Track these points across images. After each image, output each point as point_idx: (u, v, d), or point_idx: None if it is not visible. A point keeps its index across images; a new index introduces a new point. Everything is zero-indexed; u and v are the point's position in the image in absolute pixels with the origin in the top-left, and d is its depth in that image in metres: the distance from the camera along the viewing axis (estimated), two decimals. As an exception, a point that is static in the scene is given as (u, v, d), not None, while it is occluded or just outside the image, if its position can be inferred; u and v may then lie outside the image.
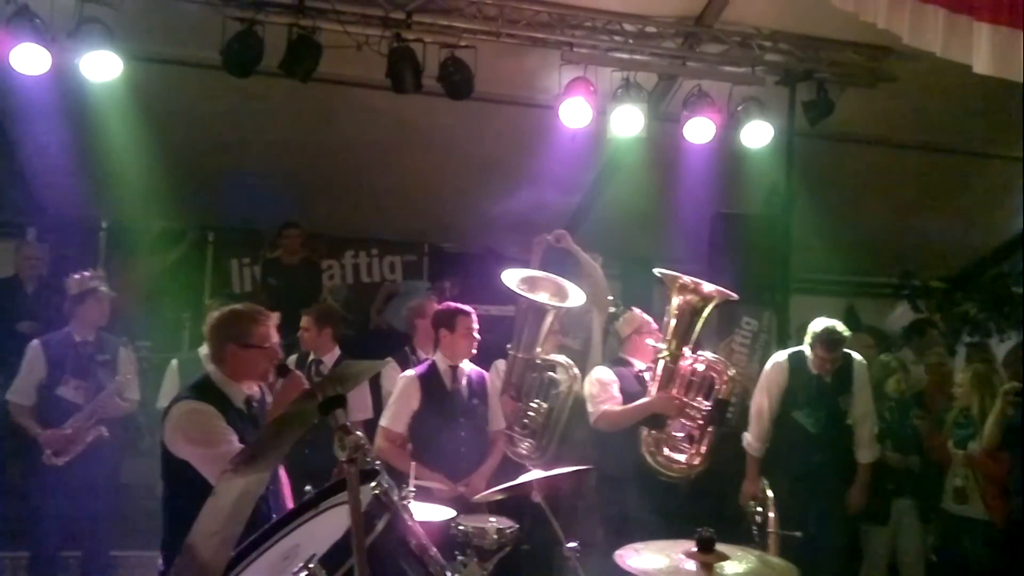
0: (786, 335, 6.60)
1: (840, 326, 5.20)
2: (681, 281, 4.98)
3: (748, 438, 5.32)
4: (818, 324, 5.23)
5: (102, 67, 5.56)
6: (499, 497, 4.08)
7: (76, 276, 5.36)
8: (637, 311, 5.37)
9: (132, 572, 5.48)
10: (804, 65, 6.48)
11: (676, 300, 4.98)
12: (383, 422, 4.75)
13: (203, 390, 3.34)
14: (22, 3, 5.38)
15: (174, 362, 5.40)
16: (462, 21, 6.01)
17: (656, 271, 5.14)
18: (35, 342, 5.19)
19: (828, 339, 5.13)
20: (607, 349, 6.56)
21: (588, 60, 6.25)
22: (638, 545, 2.89)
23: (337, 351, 5.51)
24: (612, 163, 7.68)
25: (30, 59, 5.43)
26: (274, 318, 3.52)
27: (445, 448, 4.63)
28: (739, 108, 6.48)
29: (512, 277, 5.36)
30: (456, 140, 7.33)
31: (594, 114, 6.26)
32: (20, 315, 6.31)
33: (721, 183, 7.05)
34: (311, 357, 5.43)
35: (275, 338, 3.46)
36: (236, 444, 3.15)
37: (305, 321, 5.45)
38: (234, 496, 1.79)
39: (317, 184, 7.81)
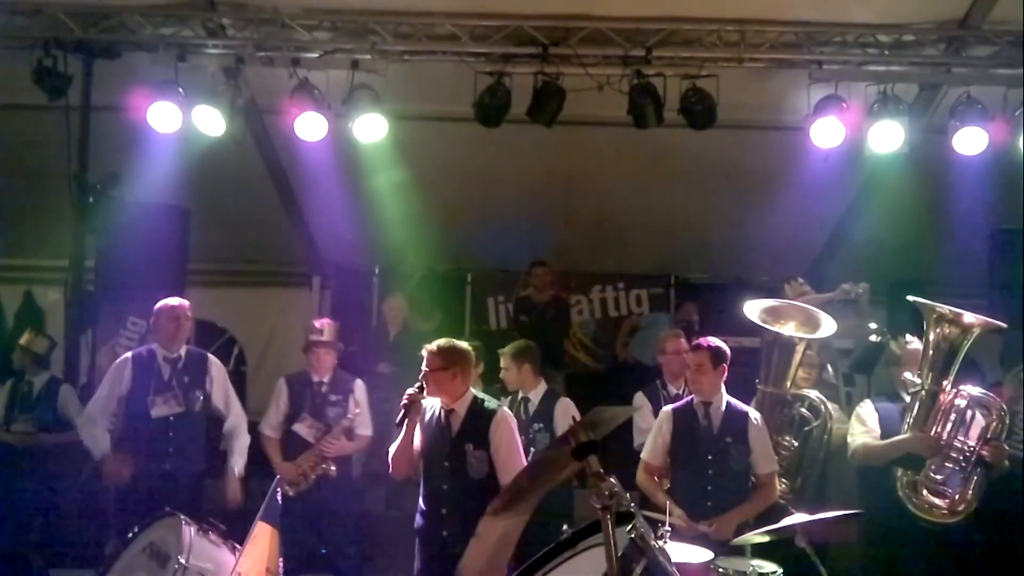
0: (1088, 362, 5.82)
1: None
2: (938, 311, 4.57)
3: None
4: None
5: (371, 128, 6.09)
6: (760, 540, 3.93)
7: (310, 325, 5.76)
8: (913, 342, 4.96)
9: None
10: (1091, 59, 5.76)
11: (933, 331, 4.58)
12: (643, 455, 4.76)
13: None
14: (303, 76, 6.04)
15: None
16: (703, 51, 5.97)
17: (911, 299, 4.76)
18: (282, 380, 5.69)
19: None
20: (875, 382, 6.16)
21: (840, 76, 5.96)
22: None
23: (543, 386, 5.43)
24: (871, 182, 7.22)
25: (311, 126, 6.07)
26: None
27: (690, 485, 4.53)
28: (1017, 113, 5.87)
29: (754, 308, 5.17)
30: (700, 170, 7.24)
31: (848, 132, 5.95)
32: (382, 357, 7.02)
33: (999, 196, 6.40)
34: (520, 395, 5.39)
35: None
36: None
37: (503, 360, 5.43)
38: (495, 537, 1.88)
39: (565, 222, 8.03)
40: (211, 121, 6.06)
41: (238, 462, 5.22)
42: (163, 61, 6.01)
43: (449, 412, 4.25)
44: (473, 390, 4.36)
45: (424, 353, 4.24)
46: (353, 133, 6.09)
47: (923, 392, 4.59)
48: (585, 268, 8.89)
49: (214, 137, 6.16)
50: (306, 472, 5.38)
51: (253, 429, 5.71)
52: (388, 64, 6.00)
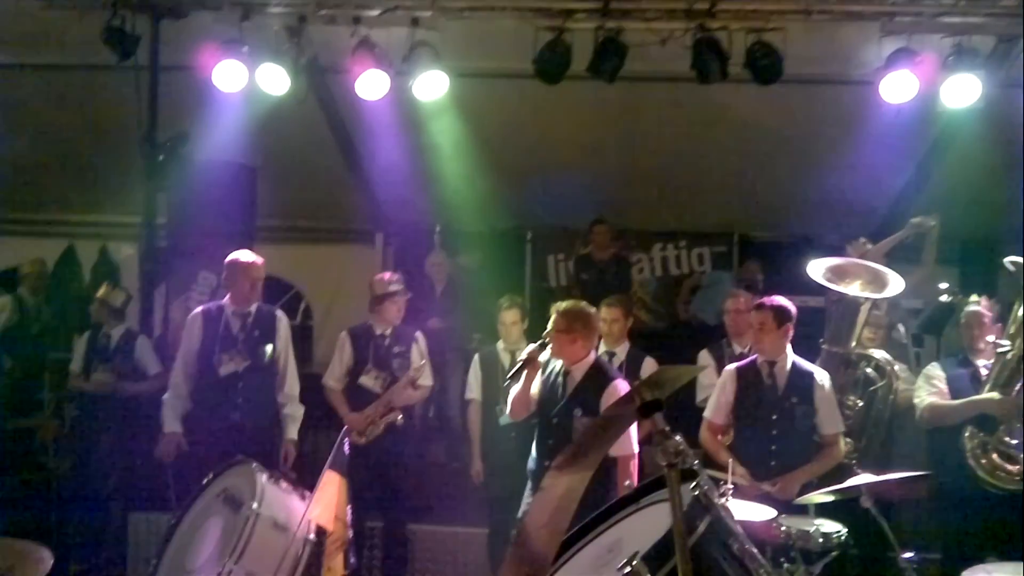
0: None
1: None
2: None
3: None
4: None
5: (431, 86, 6.08)
6: (824, 500, 3.93)
7: (378, 278, 5.83)
8: (982, 304, 4.84)
9: (427, 545, 5.92)
10: None
11: (1031, 294, 4.45)
12: (707, 413, 4.79)
13: None
14: (364, 35, 6.05)
15: (477, 356, 5.81)
16: (770, 3, 5.80)
17: (1009, 262, 4.60)
18: (344, 333, 5.74)
19: None
20: (944, 342, 6.04)
21: (913, 28, 5.75)
22: (990, 566, 2.62)
23: (627, 343, 5.57)
24: (944, 138, 7.01)
25: (372, 84, 6.09)
26: None
27: (753, 444, 4.53)
28: (1102, 65, 5.62)
29: (818, 268, 5.10)
30: (766, 125, 7.09)
31: (920, 86, 5.75)
32: (431, 313, 7.11)
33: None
34: (603, 349, 5.46)
35: None
36: None
37: (616, 312, 5.51)
38: (560, 492, 1.91)
39: (626, 180, 7.96)
40: (275, 80, 6.12)
41: (293, 431, 5.28)
42: (227, 20, 6.07)
43: (567, 373, 4.40)
44: (596, 355, 4.50)
45: (552, 313, 4.40)
46: (413, 91, 6.10)
47: (1009, 355, 4.48)
48: (646, 226, 8.83)
49: (278, 96, 6.23)
50: (375, 420, 5.48)
51: (319, 382, 5.87)
52: (448, 21, 5.98)
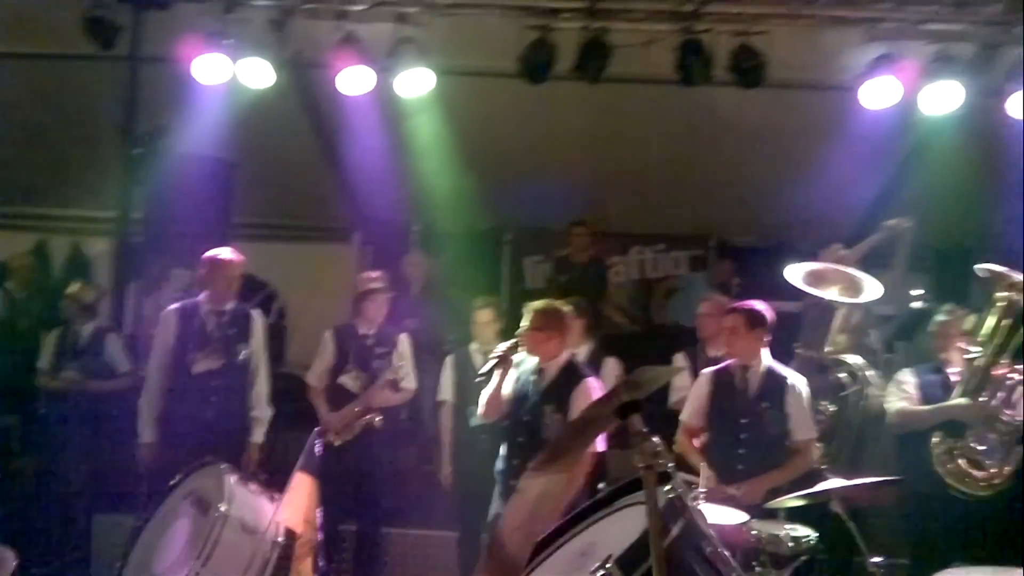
0: None
1: None
2: (1010, 279, 4.46)
3: None
4: None
5: (415, 83, 6.02)
6: (794, 504, 3.92)
7: (362, 276, 5.81)
8: (954, 311, 4.88)
9: (398, 548, 5.89)
10: None
11: (1000, 300, 4.48)
12: (682, 416, 4.77)
13: None
14: (348, 30, 5.98)
15: (449, 357, 5.78)
16: (755, 7, 5.81)
17: (980, 269, 4.63)
18: (328, 331, 5.67)
19: None
20: (915, 349, 6.07)
21: (898, 35, 5.78)
22: (959, 570, 2.63)
23: (589, 344, 5.59)
24: (922, 145, 7.05)
25: (355, 81, 6.02)
26: None
27: (721, 447, 4.52)
28: (1080, 76, 5.66)
29: (796, 272, 5.12)
30: (746, 129, 7.11)
31: (901, 92, 5.79)
32: (406, 314, 6.92)
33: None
34: None
35: None
36: None
37: None
38: (535, 494, 1.90)
39: (606, 181, 7.95)
40: (256, 74, 6.04)
41: (258, 434, 5.21)
42: (211, 12, 5.99)
43: (540, 370, 4.42)
44: (570, 354, 4.51)
45: (527, 311, 4.42)
46: (396, 88, 6.05)
47: (979, 362, 4.51)
48: (625, 229, 8.82)
49: (258, 90, 6.15)
50: (351, 422, 5.42)
51: (296, 382, 5.79)
52: (433, 18, 5.94)
